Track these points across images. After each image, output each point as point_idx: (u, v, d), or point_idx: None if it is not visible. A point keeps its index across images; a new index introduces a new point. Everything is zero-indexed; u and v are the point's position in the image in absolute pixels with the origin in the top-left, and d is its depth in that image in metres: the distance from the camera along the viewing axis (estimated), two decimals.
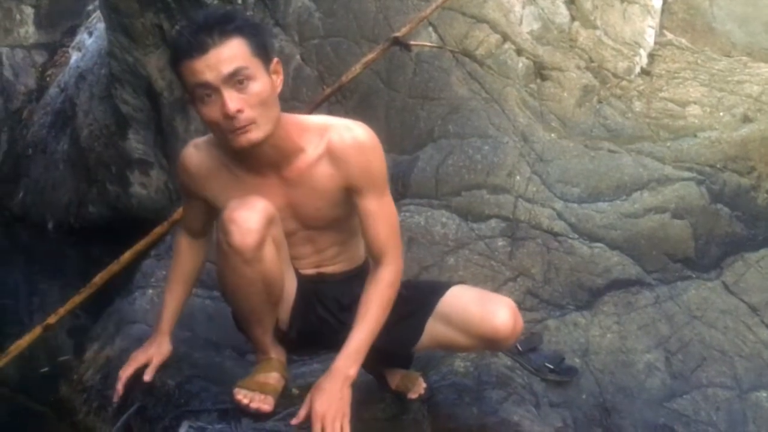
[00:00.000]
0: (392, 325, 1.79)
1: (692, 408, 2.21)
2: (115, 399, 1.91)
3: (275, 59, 1.62)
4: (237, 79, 1.53)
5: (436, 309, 1.76)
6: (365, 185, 1.67)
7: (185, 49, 1.53)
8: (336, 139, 1.65)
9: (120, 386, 1.88)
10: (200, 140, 1.77)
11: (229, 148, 1.63)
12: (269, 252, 1.64)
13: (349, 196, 1.70)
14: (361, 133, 1.67)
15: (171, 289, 1.92)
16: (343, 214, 1.76)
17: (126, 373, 1.89)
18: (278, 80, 1.61)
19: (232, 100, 1.52)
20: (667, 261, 2.59)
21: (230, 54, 1.52)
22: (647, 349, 2.35)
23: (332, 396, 1.62)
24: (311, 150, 1.66)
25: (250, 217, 1.60)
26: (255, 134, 1.56)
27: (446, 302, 1.76)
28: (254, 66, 1.55)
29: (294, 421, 1.65)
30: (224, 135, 1.58)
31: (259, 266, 1.63)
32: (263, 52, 1.58)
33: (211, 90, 1.53)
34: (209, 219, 1.84)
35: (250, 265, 1.62)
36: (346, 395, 1.65)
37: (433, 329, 1.76)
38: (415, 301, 1.80)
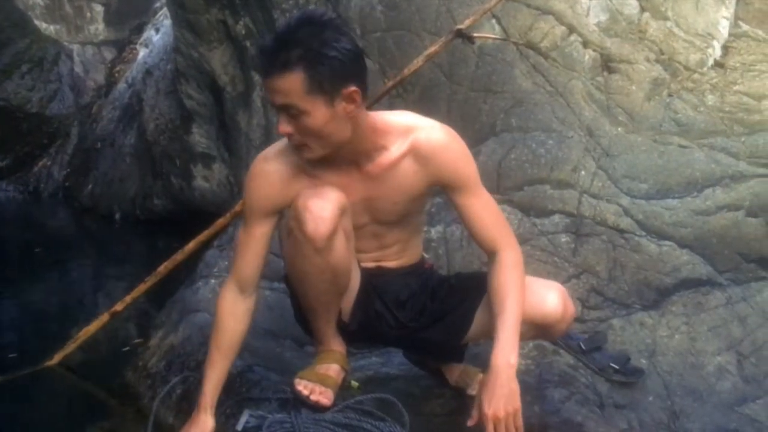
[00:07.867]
0: (441, 317, 1.80)
1: (765, 413, 2.11)
2: None
3: (352, 88, 1.51)
4: (289, 111, 1.53)
5: (484, 297, 1.74)
6: (458, 183, 1.68)
7: (257, 64, 1.54)
8: (422, 138, 1.66)
9: None
10: (269, 151, 1.74)
11: None
12: (340, 242, 1.64)
13: (432, 192, 1.72)
14: (447, 133, 1.68)
15: (212, 361, 1.73)
16: (415, 209, 1.79)
17: None
18: (350, 107, 1.54)
19: (282, 124, 1.55)
20: (740, 261, 2.49)
21: (284, 88, 1.50)
22: (718, 352, 2.26)
23: (500, 394, 1.56)
24: (394, 148, 1.66)
25: (323, 206, 1.60)
26: (309, 155, 1.60)
27: None
28: (307, 103, 1.50)
29: (470, 423, 1.60)
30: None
31: (330, 256, 1.63)
32: (325, 85, 1.49)
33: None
34: (267, 255, 1.74)
35: (320, 254, 1.62)
36: (514, 388, 1.57)
37: (483, 318, 1.74)
38: (464, 291, 1.80)
